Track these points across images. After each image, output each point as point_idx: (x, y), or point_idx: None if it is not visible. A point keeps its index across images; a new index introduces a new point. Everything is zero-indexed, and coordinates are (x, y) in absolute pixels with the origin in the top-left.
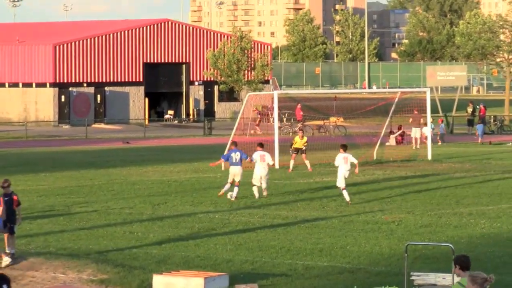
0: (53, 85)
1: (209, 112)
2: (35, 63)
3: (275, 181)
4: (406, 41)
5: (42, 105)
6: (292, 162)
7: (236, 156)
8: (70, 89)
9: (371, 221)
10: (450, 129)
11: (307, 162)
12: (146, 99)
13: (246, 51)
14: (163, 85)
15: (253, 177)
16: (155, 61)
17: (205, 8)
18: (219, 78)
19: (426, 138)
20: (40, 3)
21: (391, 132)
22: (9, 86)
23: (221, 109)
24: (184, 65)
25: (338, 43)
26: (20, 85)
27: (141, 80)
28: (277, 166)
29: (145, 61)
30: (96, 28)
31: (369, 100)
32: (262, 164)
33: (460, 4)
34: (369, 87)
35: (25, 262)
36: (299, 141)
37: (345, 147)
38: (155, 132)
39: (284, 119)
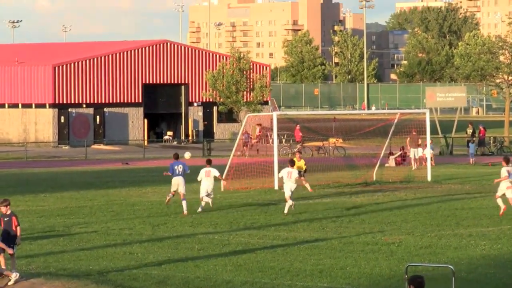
0: (53, 106)
1: (208, 133)
2: (34, 84)
3: (274, 201)
4: (405, 62)
5: (42, 125)
6: None
7: (178, 168)
8: (70, 110)
9: (371, 242)
10: (449, 150)
11: (307, 185)
12: (145, 120)
13: (244, 72)
14: (162, 106)
15: (200, 191)
16: (154, 82)
17: (204, 29)
18: (218, 99)
19: (425, 160)
20: (39, 24)
21: (391, 153)
22: (9, 107)
23: (220, 130)
24: (183, 86)
25: (337, 64)
26: (20, 105)
27: (140, 101)
28: (276, 187)
29: (144, 82)
30: (95, 49)
31: (368, 121)
32: (207, 179)
33: (459, 25)
34: (368, 108)
35: (26, 283)
36: (296, 163)
37: (292, 163)
38: (154, 153)
39: (283, 140)
